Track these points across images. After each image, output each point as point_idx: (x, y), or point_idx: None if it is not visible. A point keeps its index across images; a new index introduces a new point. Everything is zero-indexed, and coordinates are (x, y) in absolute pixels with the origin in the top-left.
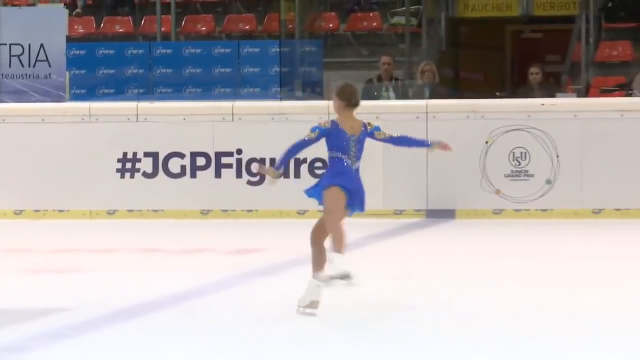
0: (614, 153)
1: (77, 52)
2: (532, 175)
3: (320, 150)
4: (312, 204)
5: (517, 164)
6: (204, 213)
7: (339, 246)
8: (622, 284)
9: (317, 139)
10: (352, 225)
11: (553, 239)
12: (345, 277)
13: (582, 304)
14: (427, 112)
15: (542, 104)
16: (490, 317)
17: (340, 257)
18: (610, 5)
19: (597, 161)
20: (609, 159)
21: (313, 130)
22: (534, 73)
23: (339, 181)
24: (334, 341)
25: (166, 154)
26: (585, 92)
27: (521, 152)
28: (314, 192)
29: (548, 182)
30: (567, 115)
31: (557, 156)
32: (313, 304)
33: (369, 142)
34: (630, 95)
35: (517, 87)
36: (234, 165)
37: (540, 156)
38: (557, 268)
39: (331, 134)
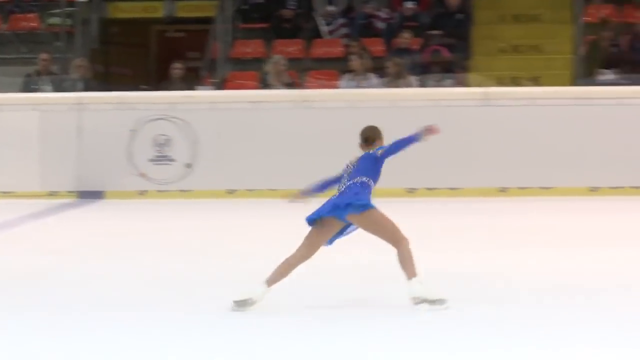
0: (247, 139)
1: None
2: (174, 160)
3: None
4: None
5: (161, 149)
6: None
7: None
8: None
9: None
10: (9, 206)
11: (192, 216)
12: None
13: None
14: (80, 103)
15: (183, 96)
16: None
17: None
18: (244, 7)
19: (232, 146)
20: (243, 144)
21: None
22: (177, 68)
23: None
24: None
25: None
26: (221, 85)
27: (164, 139)
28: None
29: (188, 166)
30: (206, 105)
31: (196, 142)
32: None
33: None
34: (262, 87)
35: (161, 81)
36: None
37: (181, 142)
38: (196, 240)
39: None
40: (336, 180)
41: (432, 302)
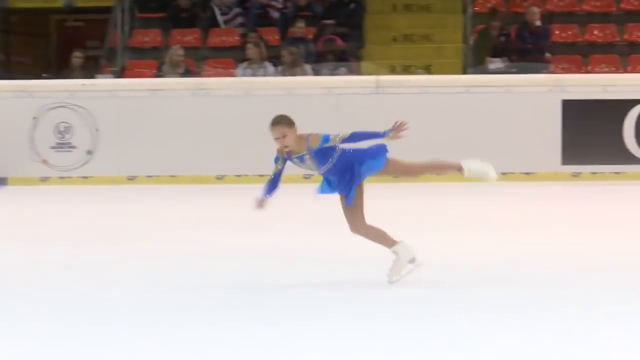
0: (146, 126)
1: None
2: (75, 147)
3: None
4: None
5: (62, 137)
6: None
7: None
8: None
9: (281, 168)
10: None
11: (95, 202)
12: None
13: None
14: None
15: (83, 84)
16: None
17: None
18: None
19: (132, 133)
20: (142, 131)
21: (276, 161)
22: (77, 57)
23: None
24: None
25: None
26: (121, 74)
27: (65, 127)
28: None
29: (89, 152)
30: (105, 93)
31: (97, 130)
32: (412, 260)
33: None
34: (160, 76)
35: (61, 69)
36: None
37: (81, 130)
38: (99, 225)
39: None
40: (277, 178)
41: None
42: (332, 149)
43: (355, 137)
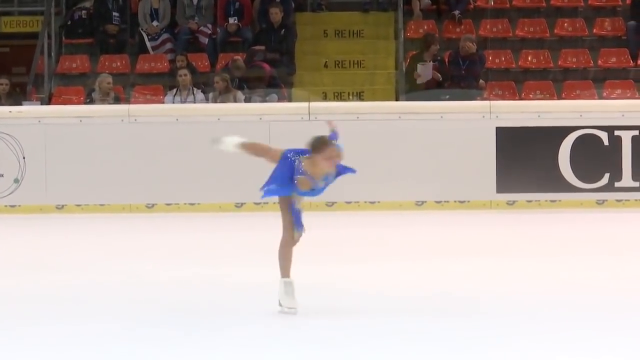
0: (74, 153)
1: None
2: (2, 175)
3: None
4: None
5: None
6: None
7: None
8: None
9: None
10: None
11: (22, 232)
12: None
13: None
14: None
15: (10, 111)
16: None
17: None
18: (69, 23)
19: (60, 161)
20: (71, 159)
21: None
22: (3, 84)
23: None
24: None
25: None
26: (48, 101)
27: None
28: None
29: (16, 181)
30: (33, 120)
31: (24, 157)
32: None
33: None
34: (88, 103)
35: None
36: None
37: (8, 158)
38: (27, 256)
39: None
40: None
41: (283, 307)
42: None
43: None
